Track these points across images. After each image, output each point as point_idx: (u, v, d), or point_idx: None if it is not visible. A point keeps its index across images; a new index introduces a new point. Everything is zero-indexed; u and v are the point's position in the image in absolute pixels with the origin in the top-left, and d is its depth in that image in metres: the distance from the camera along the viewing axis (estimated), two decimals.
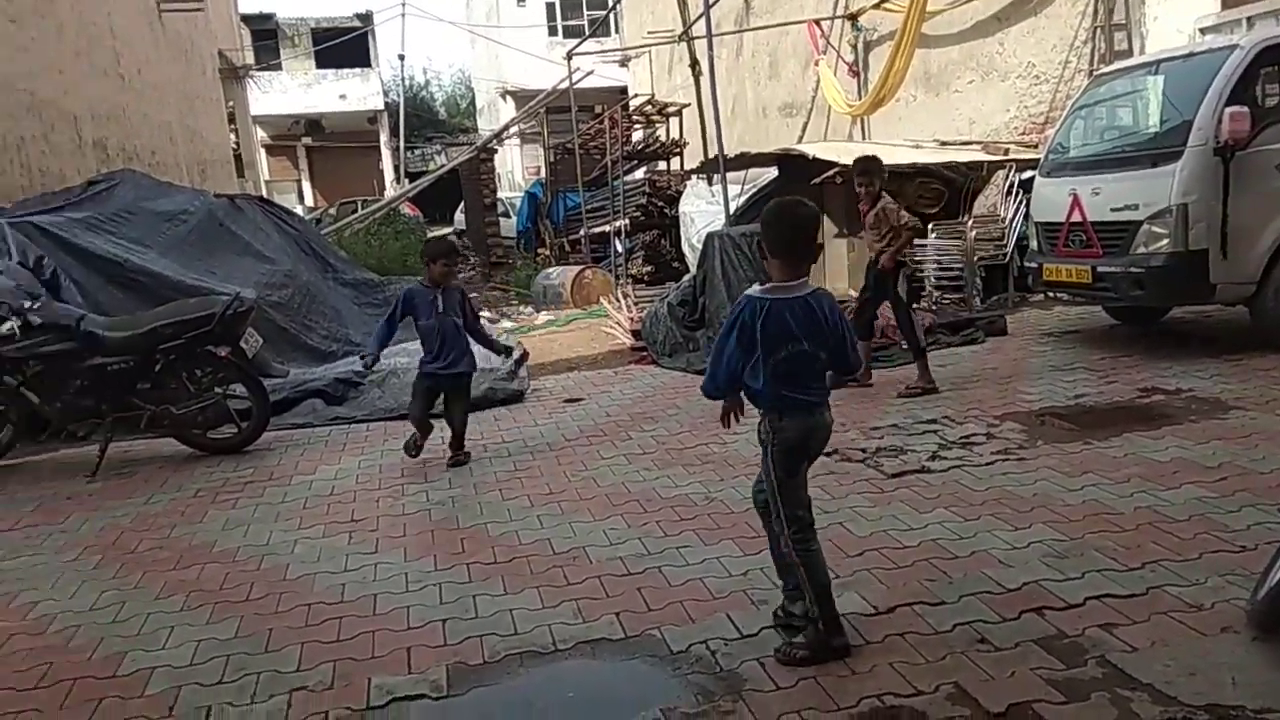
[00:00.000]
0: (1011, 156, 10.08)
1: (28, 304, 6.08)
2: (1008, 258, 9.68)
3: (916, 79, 12.92)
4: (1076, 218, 7.08)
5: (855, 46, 14.87)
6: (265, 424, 6.39)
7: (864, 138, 14.11)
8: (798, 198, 3.21)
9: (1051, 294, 8.09)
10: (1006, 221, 9.74)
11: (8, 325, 5.93)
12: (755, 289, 3.10)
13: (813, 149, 10.28)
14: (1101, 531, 3.79)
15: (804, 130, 16.18)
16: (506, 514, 4.66)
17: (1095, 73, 9.17)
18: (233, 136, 23.01)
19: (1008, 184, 9.94)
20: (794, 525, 3.05)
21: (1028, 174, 9.22)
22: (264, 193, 22.20)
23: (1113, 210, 6.79)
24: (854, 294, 9.83)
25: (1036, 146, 10.12)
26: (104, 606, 3.87)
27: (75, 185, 9.32)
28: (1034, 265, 7.75)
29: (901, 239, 6.47)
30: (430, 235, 18.73)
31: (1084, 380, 6.34)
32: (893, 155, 10.01)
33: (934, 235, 9.74)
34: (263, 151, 34.09)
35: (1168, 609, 3.10)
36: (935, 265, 9.74)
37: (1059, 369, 6.76)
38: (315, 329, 8.98)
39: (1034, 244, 7.89)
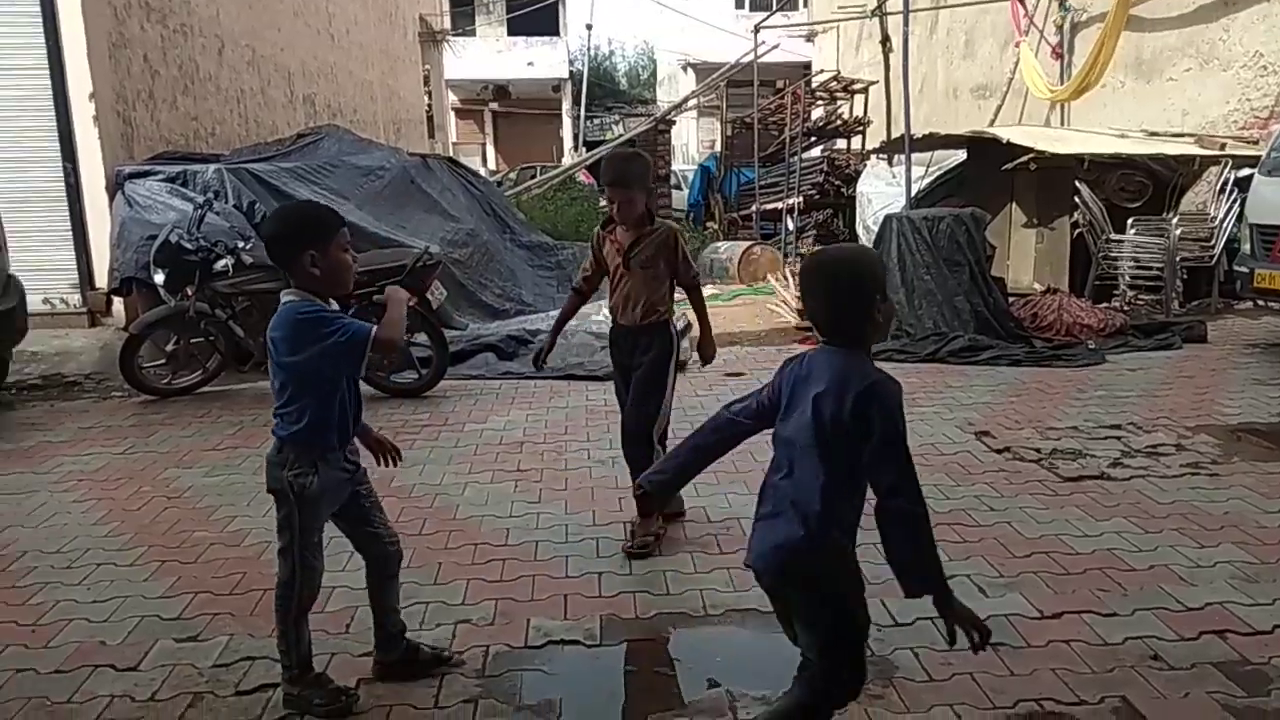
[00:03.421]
0: (1228, 152, 9.33)
1: (240, 244, 6.61)
2: (1214, 260, 9.02)
3: (1126, 64, 12.11)
4: None
5: (1061, 27, 14.06)
6: (443, 372, 6.70)
7: (1063, 124, 13.37)
8: None
9: (1261, 302, 7.50)
10: (1216, 221, 9.06)
11: (222, 262, 6.45)
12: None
13: (1006, 133, 9.80)
14: None
15: (996, 114, 15.47)
16: None
17: None
18: (426, 98, 23.99)
19: (1221, 181, 9.24)
20: None
21: (1246, 171, 8.54)
22: (451, 153, 23.10)
23: None
24: (1038, 287, 9.44)
25: (1257, 143, 9.33)
26: None
27: (286, 137, 9.99)
28: (1244, 270, 7.21)
29: (700, 308, 4.15)
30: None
31: None
32: (1095, 144, 9.46)
33: (1133, 231, 9.16)
34: (452, 114, 35.39)
35: None
36: (1132, 263, 9.16)
37: (1263, 383, 6.27)
38: (490, 287, 9.35)
39: (1246, 247, 7.33)
